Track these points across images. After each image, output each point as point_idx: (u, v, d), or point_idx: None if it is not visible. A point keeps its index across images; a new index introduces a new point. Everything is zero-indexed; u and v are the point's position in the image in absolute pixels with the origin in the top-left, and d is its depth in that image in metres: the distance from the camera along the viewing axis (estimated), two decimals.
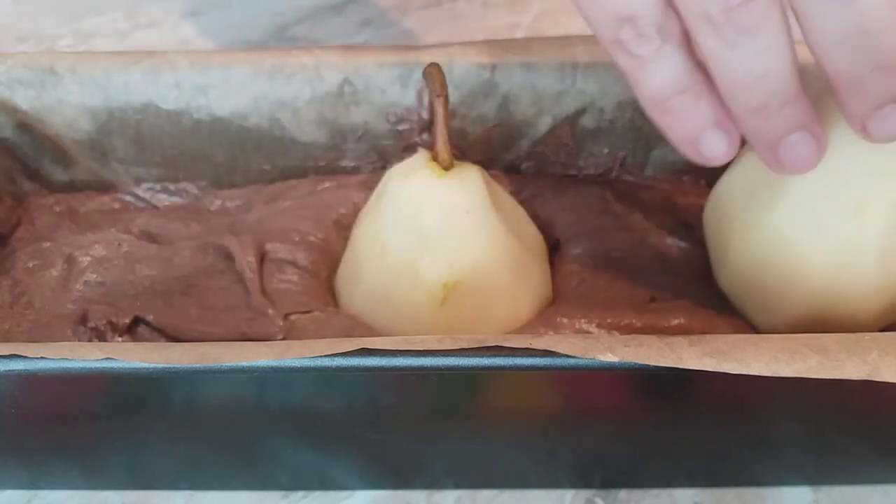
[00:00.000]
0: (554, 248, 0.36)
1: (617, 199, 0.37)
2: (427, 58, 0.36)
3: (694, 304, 0.32)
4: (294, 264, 0.34)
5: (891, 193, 0.28)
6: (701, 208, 0.35)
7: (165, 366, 0.25)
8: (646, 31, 0.25)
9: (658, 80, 0.26)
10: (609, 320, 0.32)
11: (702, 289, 0.34)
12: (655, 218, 0.36)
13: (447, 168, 0.31)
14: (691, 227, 0.36)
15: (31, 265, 0.35)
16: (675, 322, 0.32)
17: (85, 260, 0.35)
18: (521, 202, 0.35)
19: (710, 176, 0.38)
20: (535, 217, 0.36)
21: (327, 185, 0.38)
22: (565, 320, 0.32)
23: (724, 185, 0.33)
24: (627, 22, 0.25)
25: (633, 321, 0.32)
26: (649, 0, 0.24)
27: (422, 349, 0.25)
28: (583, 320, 0.32)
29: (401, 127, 0.38)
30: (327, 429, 0.29)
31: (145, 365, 0.25)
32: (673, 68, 0.25)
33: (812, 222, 0.29)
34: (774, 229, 0.30)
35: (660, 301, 0.33)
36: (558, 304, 0.33)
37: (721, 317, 0.32)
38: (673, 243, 0.35)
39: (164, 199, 0.39)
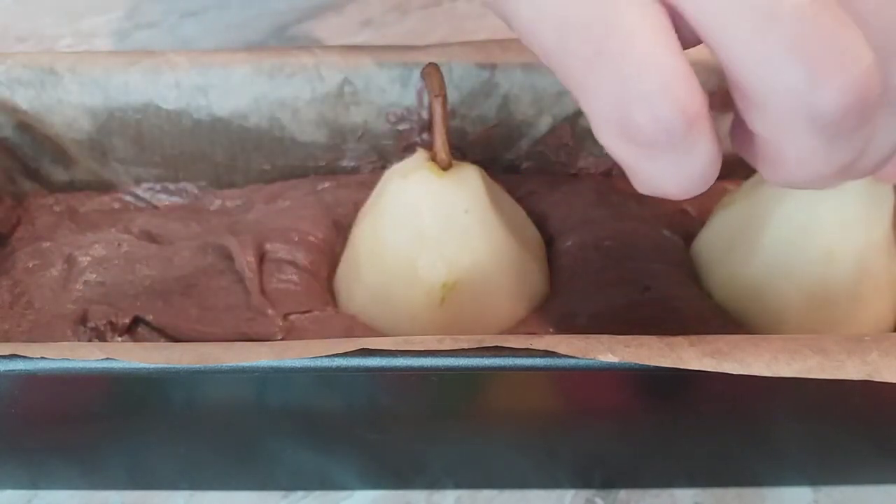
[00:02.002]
0: (549, 244, 0.36)
1: (612, 191, 0.37)
2: (427, 58, 0.36)
3: (689, 294, 0.32)
4: (294, 264, 0.34)
5: (857, 240, 0.30)
6: (701, 199, 0.36)
7: (165, 366, 0.25)
8: (665, 115, 0.19)
9: (674, 177, 0.20)
10: (602, 313, 0.32)
11: (697, 278, 0.34)
12: (651, 207, 0.36)
13: (446, 168, 0.31)
14: (686, 214, 0.36)
15: (31, 265, 0.35)
16: (670, 312, 0.32)
17: (85, 260, 0.35)
18: (517, 200, 0.35)
19: None
20: (530, 214, 0.36)
21: (327, 185, 0.38)
22: (559, 316, 0.32)
23: (701, 243, 0.35)
24: (642, 99, 0.19)
25: (628, 313, 0.32)
26: (678, 72, 0.19)
27: (422, 349, 0.25)
28: (577, 315, 0.32)
29: (401, 127, 0.38)
30: (327, 429, 0.29)
31: (145, 365, 0.25)
32: (699, 161, 0.20)
33: (788, 270, 0.31)
34: (752, 279, 0.32)
35: (654, 290, 0.32)
36: (552, 299, 0.33)
37: (717, 307, 0.32)
38: (668, 232, 0.35)
39: (164, 199, 0.39)
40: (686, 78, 0.19)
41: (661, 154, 0.20)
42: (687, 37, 0.20)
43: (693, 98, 0.19)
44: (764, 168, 0.21)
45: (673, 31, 0.19)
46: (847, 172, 0.21)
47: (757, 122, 0.20)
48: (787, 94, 0.18)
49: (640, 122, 0.19)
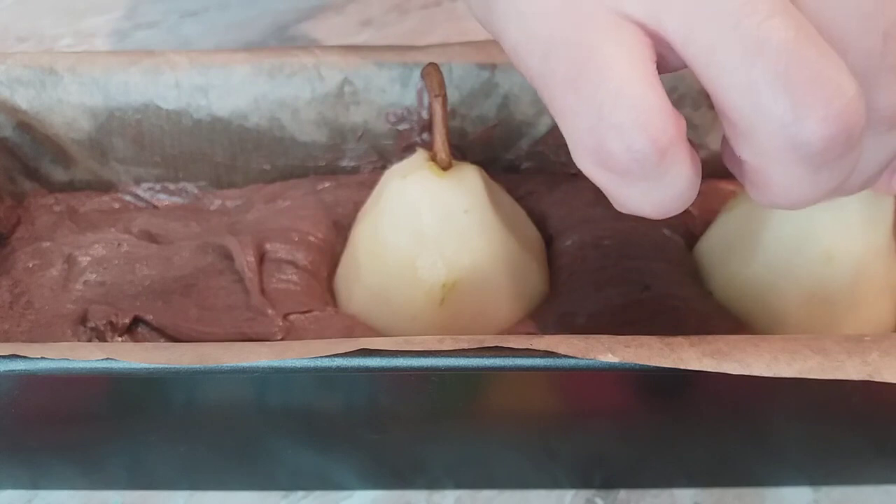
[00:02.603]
0: (549, 244, 0.36)
1: None
2: (427, 58, 0.36)
3: (689, 293, 0.32)
4: (293, 264, 0.34)
5: (857, 241, 0.30)
6: (702, 198, 0.36)
7: (165, 366, 0.25)
8: (637, 145, 0.19)
9: (649, 202, 0.21)
10: (602, 312, 0.32)
11: (697, 278, 0.34)
12: None
13: (446, 168, 0.31)
14: (688, 214, 0.36)
15: (30, 265, 0.35)
16: (670, 312, 0.32)
17: (85, 260, 0.35)
18: (517, 200, 0.35)
19: (713, 172, 0.38)
20: (530, 214, 0.35)
21: (327, 185, 0.38)
22: (558, 315, 0.32)
23: (705, 244, 0.35)
24: (615, 129, 0.19)
25: (627, 312, 0.32)
26: (651, 103, 0.19)
27: (422, 349, 0.25)
28: (576, 315, 0.32)
29: (401, 127, 0.38)
30: (327, 429, 0.29)
31: (145, 365, 0.25)
32: (674, 187, 0.20)
33: (788, 271, 0.31)
34: (753, 280, 0.32)
35: (654, 289, 0.32)
36: (552, 299, 0.33)
37: (717, 307, 0.32)
38: (669, 231, 0.35)
39: (164, 199, 0.39)
40: (659, 109, 0.19)
41: (634, 181, 0.20)
42: (673, 62, 0.20)
43: (665, 129, 0.19)
44: (751, 190, 0.22)
45: (651, 62, 0.20)
46: (833, 194, 0.21)
47: (743, 149, 0.20)
48: (773, 124, 0.19)
49: (613, 150, 0.19)
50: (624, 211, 0.22)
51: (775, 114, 0.19)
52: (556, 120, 0.21)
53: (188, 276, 0.34)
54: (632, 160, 0.19)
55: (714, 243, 0.34)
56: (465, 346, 0.25)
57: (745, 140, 0.20)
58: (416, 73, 0.37)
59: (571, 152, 0.21)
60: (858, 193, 0.30)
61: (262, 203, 0.38)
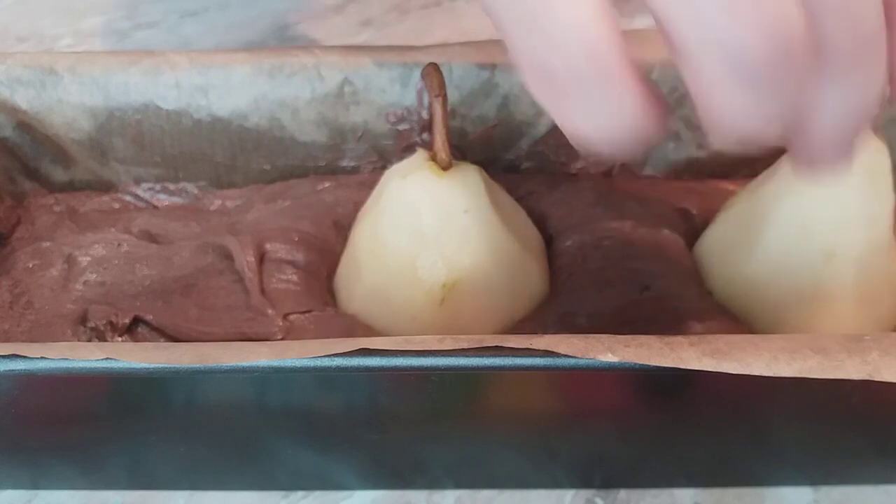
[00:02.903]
0: (549, 244, 0.36)
1: (612, 191, 0.37)
2: (427, 58, 0.36)
3: (689, 294, 0.32)
4: (293, 264, 0.34)
5: (857, 239, 0.30)
6: (703, 198, 0.35)
7: (165, 366, 0.25)
8: (576, 62, 0.20)
9: (591, 122, 0.21)
10: (602, 312, 0.32)
11: (697, 277, 0.34)
12: (651, 206, 0.36)
13: (446, 168, 0.31)
14: (688, 214, 0.36)
15: (30, 265, 0.35)
16: (670, 312, 0.32)
17: (85, 260, 0.35)
18: (517, 200, 0.35)
19: (713, 172, 0.38)
20: (530, 214, 0.35)
21: (327, 185, 0.38)
22: (558, 315, 0.32)
23: (705, 243, 0.35)
24: (560, 49, 0.20)
25: (627, 312, 0.32)
26: (600, 29, 0.20)
27: (422, 349, 0.25)
28: (576, 315, 0.32)
29: (401, 127, 0.38)
30: (327, 429, 0.29)
31: (145, 365, 0.25)
32: (618, 113, 0.21)
33: (788, 270, 0.31)
34: (753, 279, 0.32)
35: (653, 290, 0.32)
36: (552, 299, 0.33)
37: (716, 306, 0.32)
38: (668, 232, 0.35)
39: (163, 199, 0.39)
40: (606, 33, 0.20)
41: (576, 100, 0.21)
42: None
43: (610, 50, 0.20)
44: (706, 125, 0.22)
45: None
46: (795, 136, 0.21)
47: (687, 75, 0.20)
48: (707, 33, 0.19)
49: (555, 66, 0.20)
50: (569, 134, 0.22)
51: (711, 25, 0.19)
52: (505, 41, 0.22)
53: (188, 276, 0.34)
54: (572, 77, 0.20)
55: (714, 243, 0.34)
56: (465, 345, 0.25)
57: (685, 61, 0.20)
58: (416, 73, 0.37)
59: (519, 73, 0.22)
60: (858, 189, 0.30)
61: (262, 203, 0.38)
